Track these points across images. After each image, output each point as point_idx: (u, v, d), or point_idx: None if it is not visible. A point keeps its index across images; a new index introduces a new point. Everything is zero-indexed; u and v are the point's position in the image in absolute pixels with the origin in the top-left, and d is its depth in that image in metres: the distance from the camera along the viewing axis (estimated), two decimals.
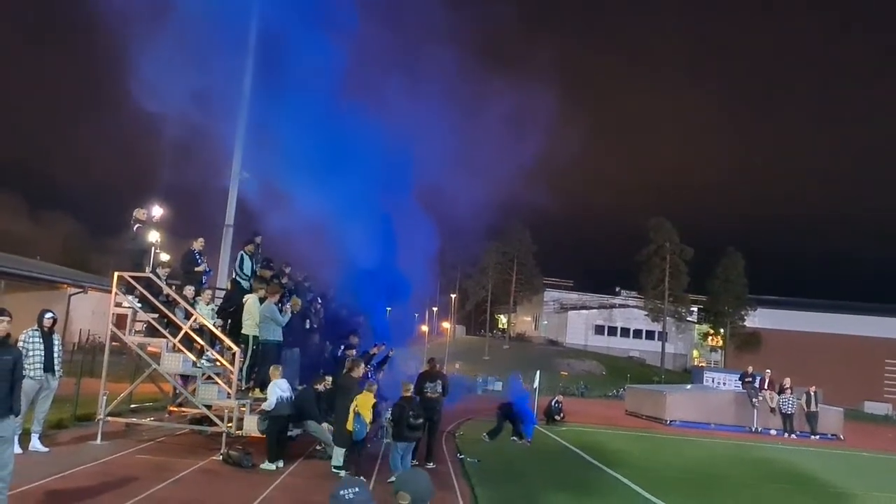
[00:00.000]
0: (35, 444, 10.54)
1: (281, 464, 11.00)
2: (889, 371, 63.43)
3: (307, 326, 14.92)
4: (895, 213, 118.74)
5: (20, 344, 10.40)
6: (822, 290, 77.43)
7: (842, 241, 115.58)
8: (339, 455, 11.12)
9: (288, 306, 13.31)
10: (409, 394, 11.52)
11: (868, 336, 63.52)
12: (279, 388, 11.24)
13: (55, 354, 10.70)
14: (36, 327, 10.58)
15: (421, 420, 11.56)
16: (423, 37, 16.13)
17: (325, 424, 11.72)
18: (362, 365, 11.88)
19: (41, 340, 10.53)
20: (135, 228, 13.12)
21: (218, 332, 12.57)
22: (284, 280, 14.97)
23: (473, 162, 17.81)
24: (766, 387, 25.24)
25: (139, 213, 13.29)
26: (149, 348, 13.01)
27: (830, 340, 62.97)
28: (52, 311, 10.90)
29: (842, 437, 24.69)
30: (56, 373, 10.79)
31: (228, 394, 11.83)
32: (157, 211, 13.40)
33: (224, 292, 15.16)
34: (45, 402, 10.75)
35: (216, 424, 11.76)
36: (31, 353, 10.41)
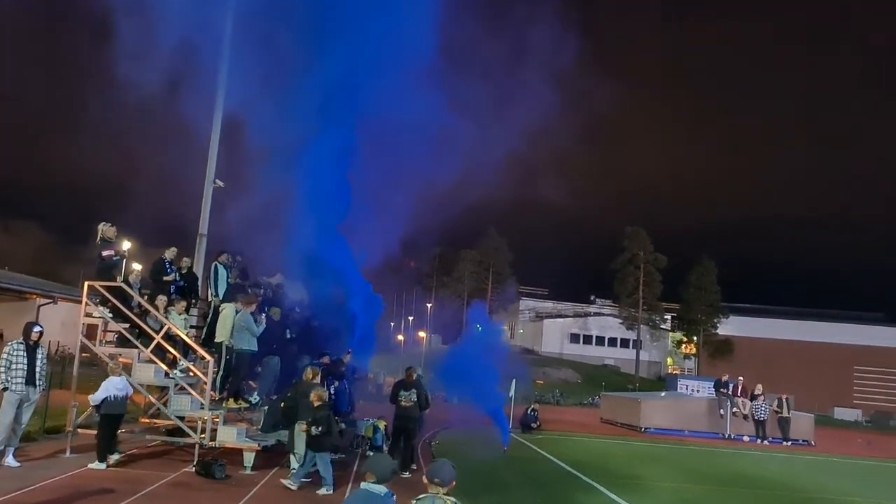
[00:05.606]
0: (9, 458, 10.31)
1: (102, 466, 10.56)
2: (858, 377, 64.41)
3: (287, 336, 14.76)
4: (865, 222, 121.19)
5: (3, 356, 10.25)
6: (793, 298, 78.53)
7: (812, 249, 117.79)
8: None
9: (263, 316, 13.17)
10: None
11: (837, 343, 64.44)
12: (113, 386, 10.73)
13: (38, 368, 10.55)
14: (21, 340, 10.45)
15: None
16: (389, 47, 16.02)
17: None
18: (311, 370, 11.69)
19: (25, 353, 10.40)
20: (104, 254, 12.27)
21: (191, 342, 12.41)
22: (261, 292, 14.83)
23: (449, 170, 17.74)
24: (738, 393, 25.54)
25: (107, 231, 12.38)
26: (120, 359, 12.79)
27: (801, 347, 63.82)
28: (39, 325, 10.77)
29: (813, 442, 25.01)
30: (38, 386, 10.64)
31: (202, 404, 11.67)
32: (126, 245, 12.94)
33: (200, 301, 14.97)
34: (24, 415, 10.58)
35: (189, 435, 11.58)
36: (14, 366, 10.27)
